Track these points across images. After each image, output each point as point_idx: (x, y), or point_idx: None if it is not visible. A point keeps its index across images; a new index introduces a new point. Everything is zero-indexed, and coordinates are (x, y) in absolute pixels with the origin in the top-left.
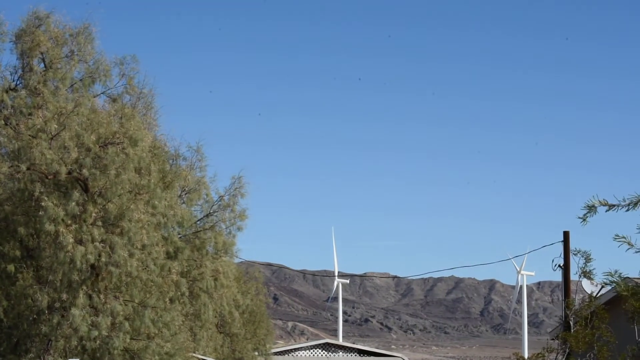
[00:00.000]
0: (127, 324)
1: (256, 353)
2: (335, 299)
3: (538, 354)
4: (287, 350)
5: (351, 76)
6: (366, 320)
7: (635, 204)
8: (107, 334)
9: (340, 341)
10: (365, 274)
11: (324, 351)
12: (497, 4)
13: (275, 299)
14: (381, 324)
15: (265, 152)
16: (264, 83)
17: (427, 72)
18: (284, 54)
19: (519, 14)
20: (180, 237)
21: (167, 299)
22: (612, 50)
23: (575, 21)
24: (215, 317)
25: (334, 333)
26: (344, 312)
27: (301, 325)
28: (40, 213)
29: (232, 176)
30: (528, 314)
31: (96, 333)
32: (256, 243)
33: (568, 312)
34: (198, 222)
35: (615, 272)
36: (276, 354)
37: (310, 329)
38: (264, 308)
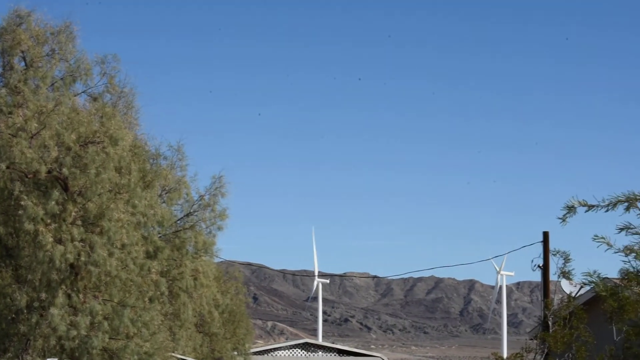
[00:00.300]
0: (106, 323)
1: (235, 353)
2: (315, 298)
3: (517, 354)
4: (267, 350)
5: (346, 74)
6: (346, 320)
7: (614, 204)
8: (86, 333)
9: (320, 341)
10: (345, 273)
11: (303, 351)
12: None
13: (255, 298)
14: (361, 323)
15: (246, 151)
16: (250, 83)
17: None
18: (278, 56)
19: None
20: (160, 237)
21: (146, 299)
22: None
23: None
24: (195, 316)
25: (313, 333)
26: (324, 312)
27: (281, 324)
28: (19, 212)
29: (212, 176)
30: (507, 314)
31: (75, 332)
32: (236, 243)
33: (547, 312)
34: (178, 222)
35: (594, 272)
36: (255, 353)
37: (290, 329)
38: (244, 308)
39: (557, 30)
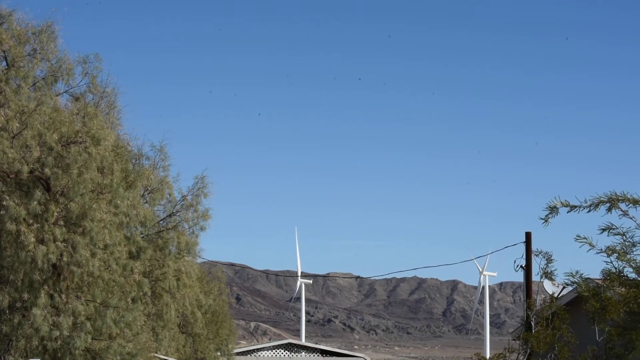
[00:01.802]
0: (88, 324)
1: (218, 353)
2: (298, 299)
3: (499, 354)
4: (250, 350)
5: (338, 75)
6: (329, 321)
7: (596, 205)
8: (68, 334)
9: (303, 341)
10: (328, 274)
11: (286, 351)
12: (496, 3)
13: (238, 299)
14: (344, 324)
15: (228, 151)
16: (230, 82)
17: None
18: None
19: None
20: (142, 237)
21: (129, 299)
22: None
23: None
24: (178, 317)
25: (296, 333)
26: (307, 313)
27: (264, 325)
28: (1, 212)
29: (195, 176)
30: (490, 315)
31: (57, 333)
32: (219, 243)
33: (529, 312)
34: (161, 222)
35: (577, 272)
36: (239, 354)
37: (273, 329)
38: (227, 308)
39: (532, 39)
